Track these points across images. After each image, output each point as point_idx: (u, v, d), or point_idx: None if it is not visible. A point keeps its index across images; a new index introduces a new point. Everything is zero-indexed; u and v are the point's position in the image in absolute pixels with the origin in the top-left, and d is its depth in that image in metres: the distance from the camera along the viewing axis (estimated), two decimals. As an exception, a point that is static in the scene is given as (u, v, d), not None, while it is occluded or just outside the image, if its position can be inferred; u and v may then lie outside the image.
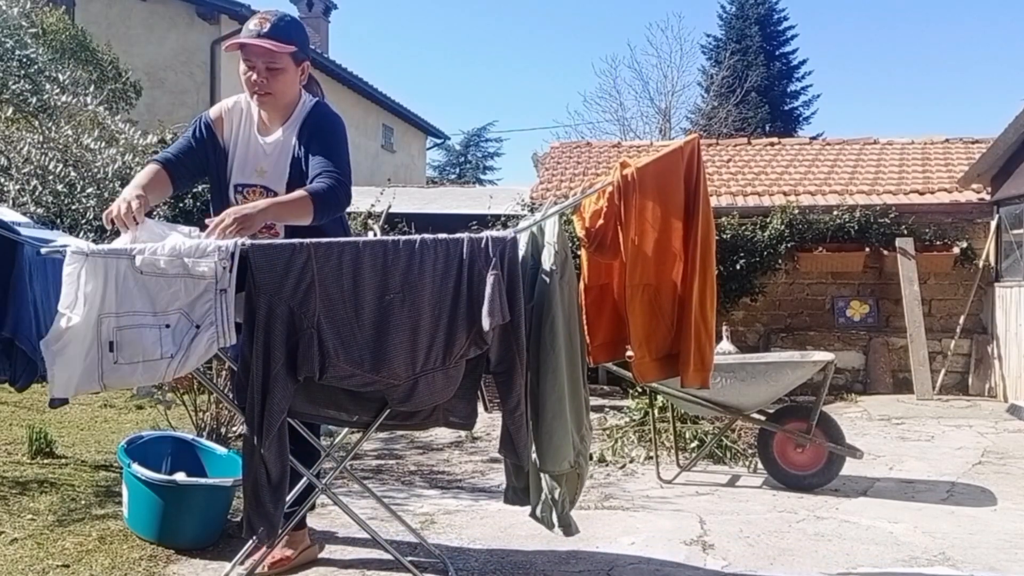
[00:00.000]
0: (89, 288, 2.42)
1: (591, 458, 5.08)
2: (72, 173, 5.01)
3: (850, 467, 4.62)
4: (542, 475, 2.93)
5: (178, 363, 2.46)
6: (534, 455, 2.87)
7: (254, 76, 2.87)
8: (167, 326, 2.46)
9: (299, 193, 2.78)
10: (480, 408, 2.97)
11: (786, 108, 25.24)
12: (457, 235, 2.69)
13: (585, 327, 3.20)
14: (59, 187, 4.95)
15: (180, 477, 3.45)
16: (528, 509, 3.01)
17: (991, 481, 4.78)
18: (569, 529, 2.97)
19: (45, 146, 5.06)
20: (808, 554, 3.46)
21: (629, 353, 2.99)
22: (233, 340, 2.50)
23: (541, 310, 2.86)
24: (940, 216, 9.00)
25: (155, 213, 8.08)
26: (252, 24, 2.87)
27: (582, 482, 3.08)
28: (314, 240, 2.62)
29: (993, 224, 8.66)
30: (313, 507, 3.34)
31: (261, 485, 2.59)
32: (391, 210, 8.88)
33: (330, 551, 3.36)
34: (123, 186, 5.30)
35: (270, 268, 2.56)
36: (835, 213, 8.87)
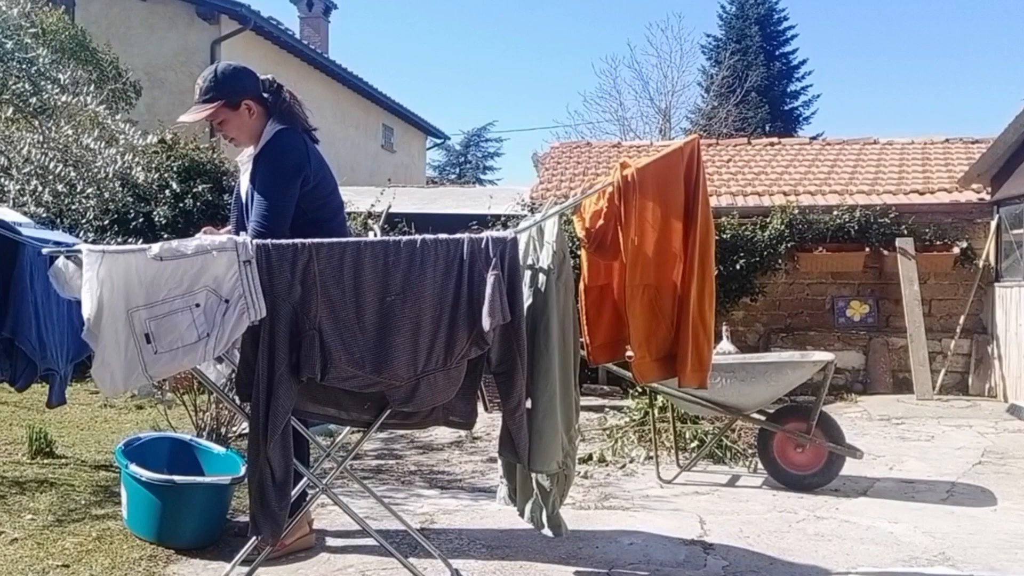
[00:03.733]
0: (108, 285, 2.44)
1: (591, 458, 5.10)
2: (72, 173, 5.00)
3: (850, 467, 4.62)
4: (532, 475, 2.93)
5: (214, 341, 2.49)
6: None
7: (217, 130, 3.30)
8: (197, 305, 2.49)
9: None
10: (480, 408, 2.97)
11: (786, 108, 25.24)
12: (457, 235, 2.69)
13: (584, 328, 3.21)
14: (59, 187, 4.94)
15: (178, 477, 3.44)
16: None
17: (991, 481, 4.77)
18: (559, 529, 2.97)
19: (45, 146, 5.05)
20: (808, 554, 3.46)
21: (629, 353, 3.00)
22: (263, 313, 2.53)
23: (536, 309, 2.86)
24: (940, 216, 8.99)
25: (155, 214, 8.04)
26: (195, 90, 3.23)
27: (569, 483, 3.09)
28: (315, 240, 2.63)
29: (993, 224, 8.65)
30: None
31: (267, 485, 2.60)
32: (391, 210, 8.86)
33: (330, 551, 3.37)
34: (123, 186, 5.33)
35: (272, 268, 2.57)
36: (835, 213, 8.87)
